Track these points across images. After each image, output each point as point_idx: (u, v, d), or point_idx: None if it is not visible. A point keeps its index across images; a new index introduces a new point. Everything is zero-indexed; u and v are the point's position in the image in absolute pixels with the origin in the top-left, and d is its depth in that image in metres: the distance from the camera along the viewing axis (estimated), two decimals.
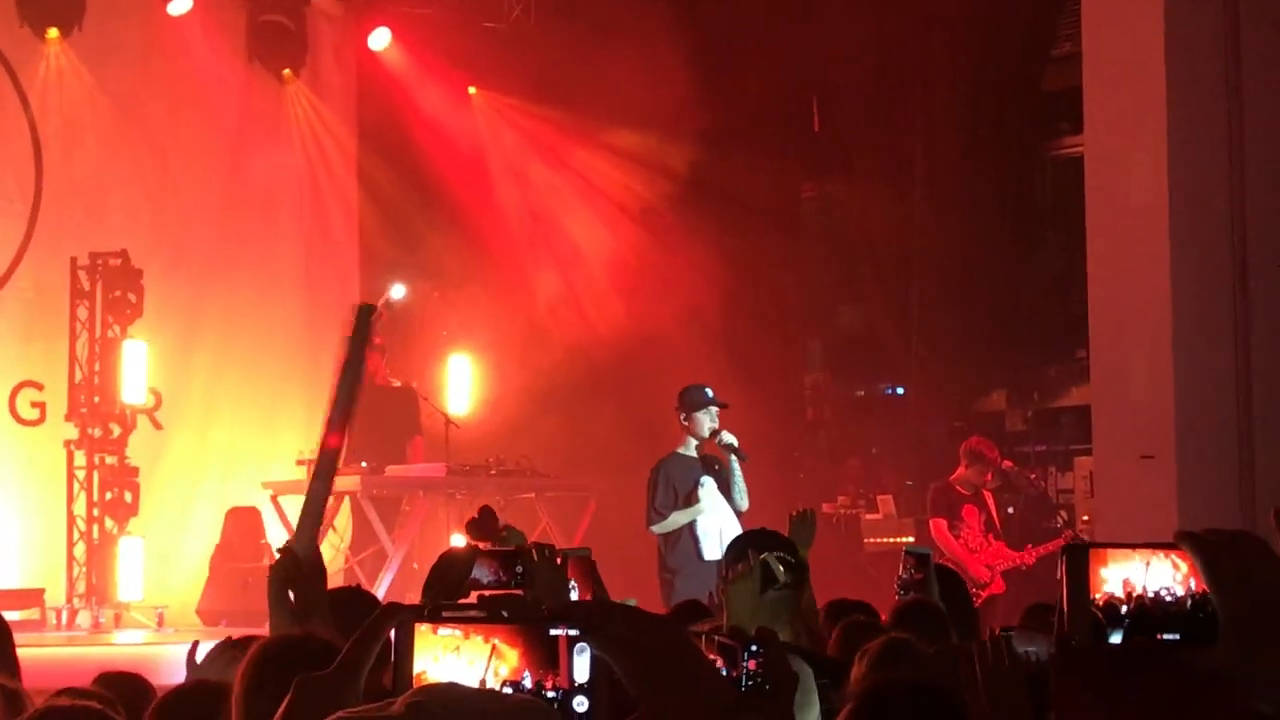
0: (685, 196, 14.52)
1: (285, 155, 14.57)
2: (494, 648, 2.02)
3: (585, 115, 14.61)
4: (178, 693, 3.43)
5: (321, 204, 14.83)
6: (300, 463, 12.68)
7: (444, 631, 2.03)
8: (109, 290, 13.09)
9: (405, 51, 14.94)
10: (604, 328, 14.45)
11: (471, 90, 15.31)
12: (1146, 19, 10.04)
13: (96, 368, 13.06)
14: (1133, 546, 2.13)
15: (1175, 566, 2.10)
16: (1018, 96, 14.10)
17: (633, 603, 2.72)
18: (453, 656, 2.02)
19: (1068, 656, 2.08)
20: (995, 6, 13.69)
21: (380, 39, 14.87)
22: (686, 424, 9.73)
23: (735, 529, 9.18)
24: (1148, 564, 2.11)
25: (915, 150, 14.41)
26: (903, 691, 2.96)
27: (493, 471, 13.10)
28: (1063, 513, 12.77)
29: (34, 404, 13.24)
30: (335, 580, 10.31)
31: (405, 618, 2.05)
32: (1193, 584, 2.08)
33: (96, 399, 13.03)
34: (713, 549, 9.28)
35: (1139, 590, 2.10)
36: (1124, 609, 2.09)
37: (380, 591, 11.74)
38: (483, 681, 2.01)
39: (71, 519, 12.96)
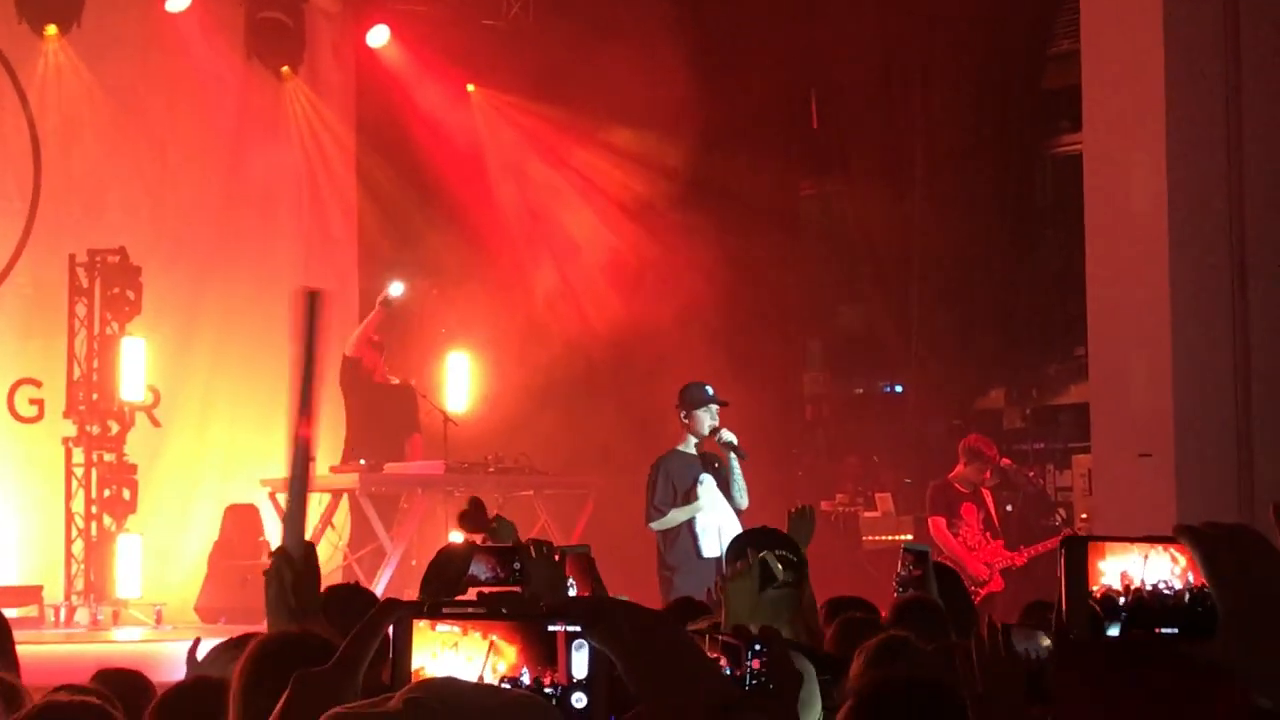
0: (685, 195, 14.52)
1: (284, 153, 14.57)
2: (492, 644, 2.02)
3: (584, 113, 14.61)
4: (179, 689, 3.43)
5: (320, 201, 14.83)
6: (312, 462, 12.66)
7: (442, 628, 2.03)
8: (107, 287, 13.09)
9: (404, 49, 14.93)
10: (603, 326, 14.46)
11: (470, 88, 15.30)
12: (1145, 19, 10.03)
13: (95, 365, 13.06)
14: (1131, 540, 2.13)
15: (1174, 560, 2.10)
16: (1017, 95, 14.09)
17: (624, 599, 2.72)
18: (451, 653, 2.02)
19: (1066, 650, 2.09)
20: (998, 6, 13.69)
21: (379, 36, 14.86)
22: (686, 422, 9.74)
23: (734, 527, 9.19)
24: (1146, 557, 2.11)
25: (915, 149, 14.40)
26: (903, 689, 2.96)
27: (491, 469, 13.11)
28: (1061, 511, 12.78)
29: (32, 401, 13.24)
30: (334, 577, 10.33)
31: (403, 614, 2.05)
32: (1191, 578, 2.08)
33: (95, 396, 13.03)
34: (711, 546, 9.29)
35: (1137, 583, 2.10)
36: (1122, 601, 2.09)
37: (378, 588, 11.74)
38: (481, 677, 2.01)
39: (70, 516, 12.96)
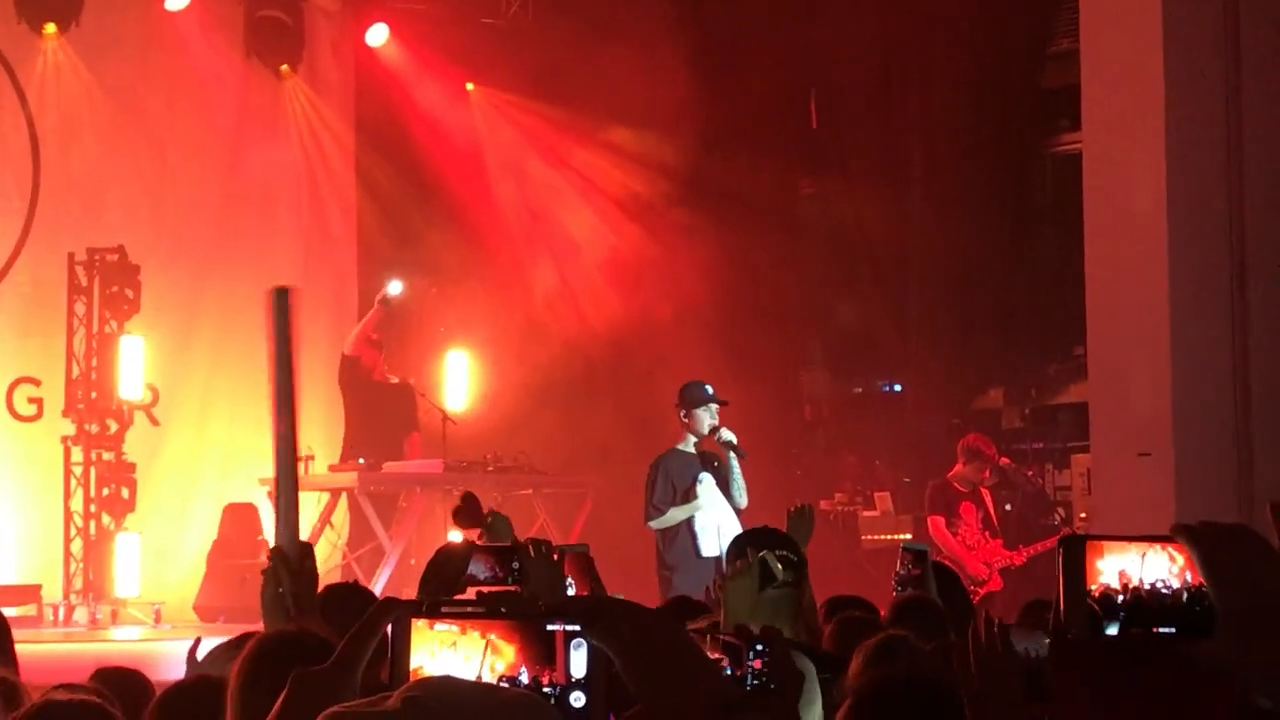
0: (684, 195, 14.52)
1: (283, 151, 14.57)
2: (490, 643, 2.02)
3: (584, 112, 14.60)
4: (179, 688, 3.43)
5: (319, 200, 14.83)
6: (297, 459, 12.66)
7: (440, 627, 2.03)
8: (106, 286, 13.09)
9: (403, 47, 14.93)
10: (602, 325, 14.46)
11: (469, 86, 15.30)
12: (1145, 19, 10.03)
13: (94, 363, 13.06)
14: (1129, 539, 2.13)
15: (1172, 559, 2.10)
16: (1017, 95, 14.09)
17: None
18: (449, 652, 2.02)
19: (1065, 649, 2.09)
20: (998, 6, 13.68)
21: (378, 35, 14.86)
22: (686, 421, 9.75)
23: (734, 526, 9.20)
24: (1144, 557, 2.11)
25: (914, 149, 14.41)
26: (903, 688, 2.96)
27: (490, 468, 13.11)
28: (1060, 510, 12.78)
29: (31, 400, 13.24)
30: (332, 576, 10.32)
31: (402, 613, 2.04)
32: (1189, 577, 2.08)
33: (94, 395, 13.03)
34: (711, 545, 9.30)
35: (1135, 583, 2.10)
36: (1120, 600, 2.09)
37: (377, 587, 11.75)
38: (479, 676, 2.01)
39: (69, 515, 12.97)
